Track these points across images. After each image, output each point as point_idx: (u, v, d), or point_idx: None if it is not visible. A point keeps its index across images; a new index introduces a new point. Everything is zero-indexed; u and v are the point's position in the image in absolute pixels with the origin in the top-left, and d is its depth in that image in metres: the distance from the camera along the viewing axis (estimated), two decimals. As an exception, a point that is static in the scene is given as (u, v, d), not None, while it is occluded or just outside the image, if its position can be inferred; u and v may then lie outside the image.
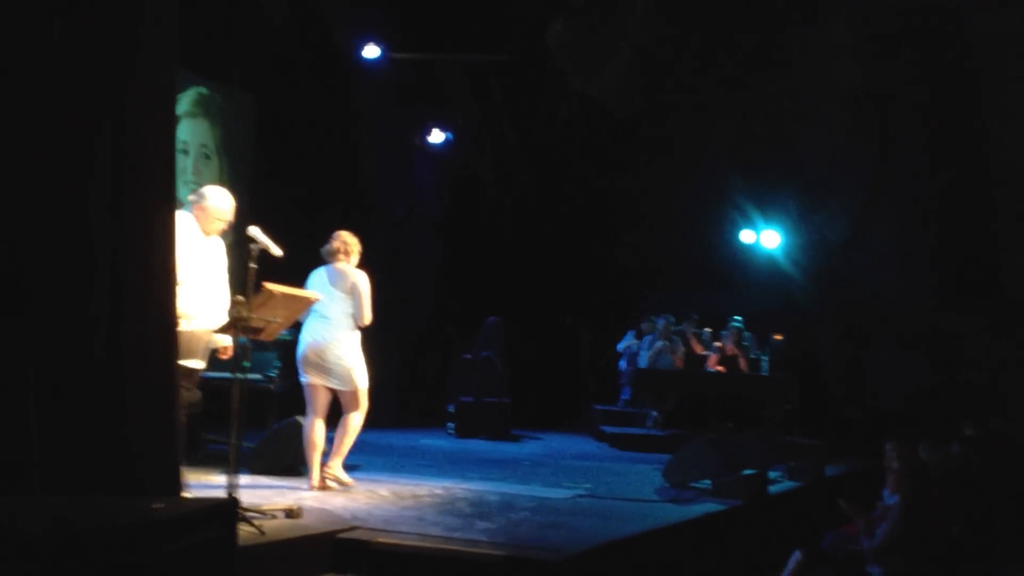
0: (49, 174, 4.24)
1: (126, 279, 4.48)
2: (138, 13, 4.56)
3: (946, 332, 11.44)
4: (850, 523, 6.70)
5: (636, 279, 12.93)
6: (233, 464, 5.16)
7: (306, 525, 5.33)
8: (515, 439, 11.10)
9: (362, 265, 6.75)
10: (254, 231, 5.63)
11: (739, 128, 12.23)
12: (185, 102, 11.04)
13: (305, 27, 11.23)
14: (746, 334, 11.27)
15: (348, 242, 6.57)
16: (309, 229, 10.58)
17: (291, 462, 7.18)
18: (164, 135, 4.86)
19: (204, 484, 6.14)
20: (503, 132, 13.17)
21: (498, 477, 7.89)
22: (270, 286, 5.45)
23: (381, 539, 5.32)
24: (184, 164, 10.94)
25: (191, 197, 5.90)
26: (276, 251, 5.65)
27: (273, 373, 8.09)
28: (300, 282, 6.36)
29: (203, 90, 11.29)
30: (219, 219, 5.78)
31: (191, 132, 11.17)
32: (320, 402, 6.52)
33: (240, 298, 5.40)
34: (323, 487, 6.49)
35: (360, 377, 6.53)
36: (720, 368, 10.69)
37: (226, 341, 5.82)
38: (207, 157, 11.38)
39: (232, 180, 11.60)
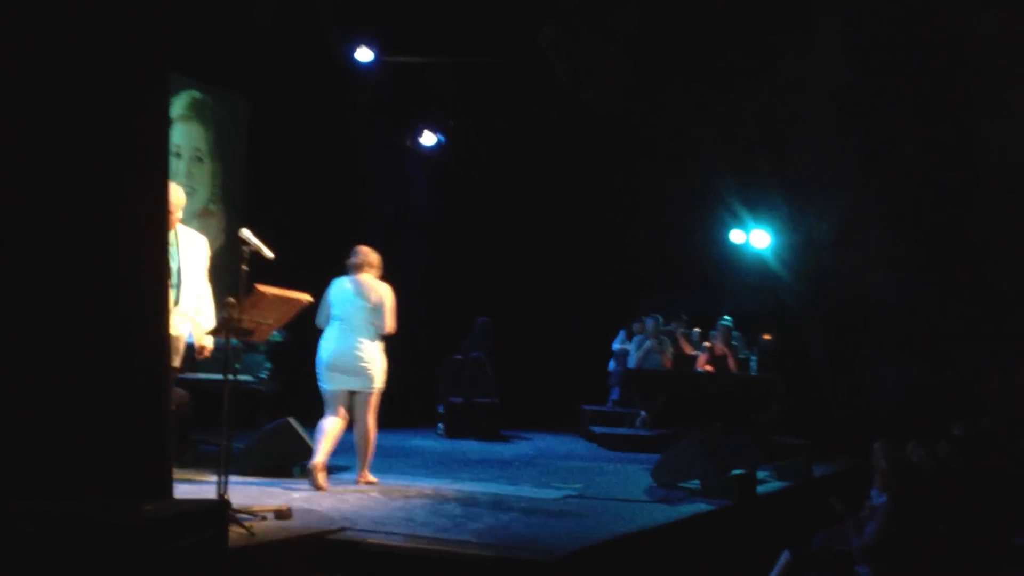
0: (57, 181, 4.26)
1: (121, 283, 4.50)
2: (127, 18, 4.57)
3: (935, 332, 11.51)
4: (839, 523, 6.75)
5: (626, 280, 12.97)
6: (223, 465, 5.18)
7: (296, 526, 5.34)
8: (505, 439, 11.13)
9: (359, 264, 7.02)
10: (245, 233, 5.66)
11: (729, 129, 12.28)
12: (178, 105, 11.04)
13: (298, 30, 11.24)
14: (735, 334, 11.31)
15: (371, 256, 6.98)
16: (301, 232, 10.65)
17: (281, 463, 7.21)
18: (158, 139, 4.87)
19: (194, 485, 6.16)
20: (494, 134, 13.20)
21: (488, 478, 7.91)
22: (261, 288, 5.47)
23: (371, 540, 5.34)
24: (177, 167, 10.94)
25: None
26: (267, 253, 5.68)
27: (263, 375, 8.10)
28: (291, 284, 6.38)
29: (196, 93, 11.29)
30: (171, 212, 5.75)
31: (184, 135, 11.17)
32: (342, 404, 6.90)
33: (231, 300, 5.42)
34: (319, 487, 6.62)
35: (381, 379, 6.94)
36: (709, 368, 10.73)
37: (206, 341, 5.86)
38: (200, 160, 11.38)
39: (225, 183, 11.61)
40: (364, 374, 6.82)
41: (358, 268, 6.91)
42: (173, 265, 5.73)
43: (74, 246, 4.33)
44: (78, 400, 4.27)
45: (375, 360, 6.86)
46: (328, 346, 6.84)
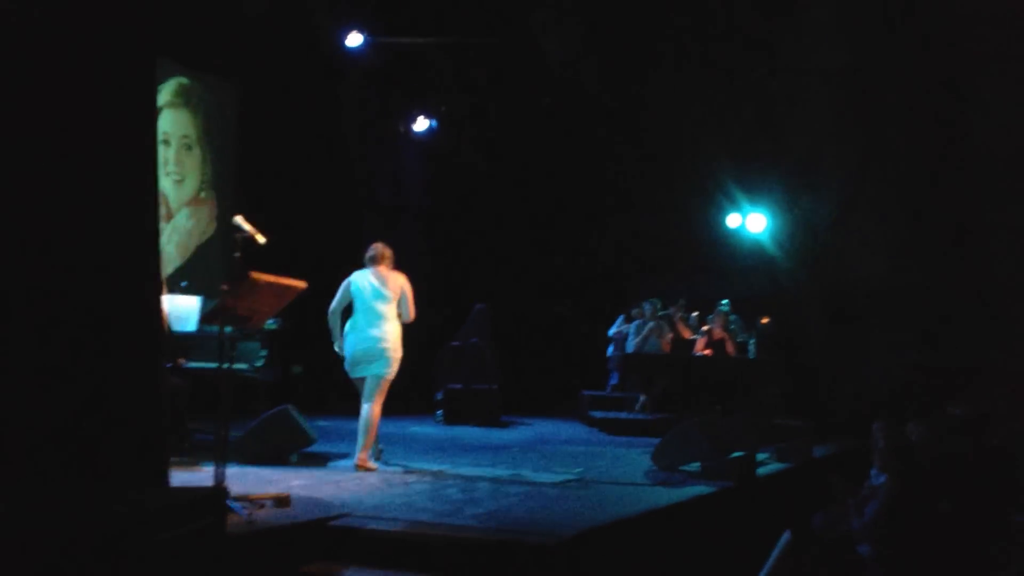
0: (42, 172, 4.21)
1: (111, 274, 4.45)
2: (112, 3, 4.50)
3: (932, 314, 11.50)
4: (839, 503, 6.73)
5: (624, 264, 12.93)
6: (221, 454, 5.14)
7: (296, 513, 5.31)
8: (504, 425, 11.10)
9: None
10: (238, 220, 5.61)
11: (725, 111, 12.23)
12: (166, 92, 10.95)
13: (288, 16, 11.14)
14: (733, 317, 11.28)
15: (386, 250, 7.39)
16: (295, 219, 10.57)
17: (279, 451, 7.18)
18: (144, 126, 4.81)
19: (192, 474, 6.12)
20: (488, 119, 13.12)
21: (488, 463, 7.88)
22: (256, 275, 5.42)
23: (372, 526, 5.32)
24: (165, 155, 10.86)
25: None
26: (261, 239, 5.63)
27: (259, 363, 8.06)
28: (286, 271, 6.34)
29: (184, 80, 11.19)
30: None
31: (172, 123, 11.08)
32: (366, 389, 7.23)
33: (226, 287, 5.37)
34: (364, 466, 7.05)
35: (396, 366, 7.26)
36: (707, 352, 10.71)
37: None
38: (189, 148, 11.30)
39: (215, 170, 11.53)
40: (382, 358, 7.13)
41: (376, 261, 7.30)
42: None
43: (62, 237, 4.28)
44: (73, 391, 4.22)
45: (396, 347, 7.22)
46: (352, 337, 7.18)
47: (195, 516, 3.97)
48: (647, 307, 11.26)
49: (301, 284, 6.15)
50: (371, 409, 7.13)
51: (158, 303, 4.80)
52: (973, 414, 8.10)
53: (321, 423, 8.14)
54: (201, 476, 5.95)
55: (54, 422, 4.11)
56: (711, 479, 7.25)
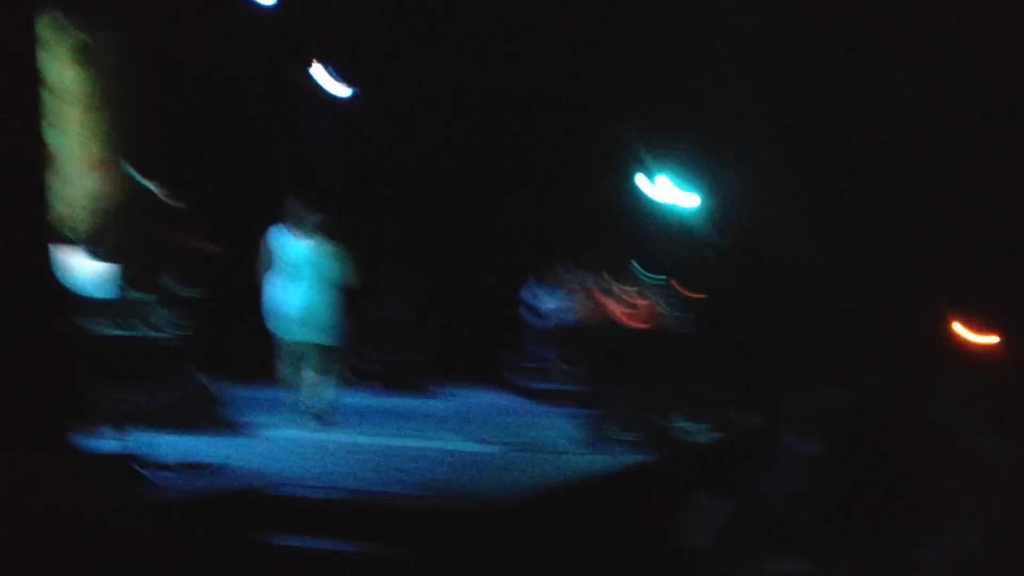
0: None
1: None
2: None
3: (856, 288, 11.72)
4: (768, 468, 6.79)
5: (546, 233, 12.79)
6: (135, 421, 4.84)
7: (222, 482, 5.04)
8: (434, 394, 10.89)
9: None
10: (148, 183, 5.29)
11: (644, 84, 12.18)
12: (64, 50, 10.33)
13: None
14: (665, 291, 11.21)
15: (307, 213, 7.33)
16: (206, 182, 10.10)
17: (196, 418, 6.86)
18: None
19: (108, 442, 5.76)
20: (406, 84, 12.74)
21: (419, 432, 7.70)
22: (169, 237, 5.10)
23: (302, 493, 5.10)
24: (66, 113, 10.26)
25: None
26: (173, 203, 5.33)
27: (173, 330, 7.66)
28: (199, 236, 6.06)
29: (85, 37, 10.59)
30: None
31: (72, 81, 10.47)
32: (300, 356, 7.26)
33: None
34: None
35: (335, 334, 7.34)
36: (640, 324, 10.62)
37: None
38: (88, 107, 10.70)
39: (121, 132, 10.95)
40: (323, 329, 7.18)
41: (310, 228, 7.23)
42: None
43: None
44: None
45: (330, 314, 7.24)
46: (295, 301, 7.13)
47: (110, 482, 3.68)
48: (578, 279, 11.10)
49: (216, 248, 5.87)
50: (316, 377, 7.29)
51: (49, 259, 4.45)
52: (887, 382, 8.29)
53: (240, 392, 7.80)
54: (112, 445, 5.59)
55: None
56: (643, 447, 7.23)
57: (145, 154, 10.41)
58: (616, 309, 10.89)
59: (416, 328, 11.21)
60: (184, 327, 7.49)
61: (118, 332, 6.79)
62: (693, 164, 12.31)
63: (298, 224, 7.20)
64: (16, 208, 4.29)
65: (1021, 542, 3.32)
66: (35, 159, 4.49)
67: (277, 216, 7.33)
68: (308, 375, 7.26)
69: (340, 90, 12.48)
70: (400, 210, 13.00)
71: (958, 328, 11.87)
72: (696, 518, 5.92)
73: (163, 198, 5.31)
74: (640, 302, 10.66)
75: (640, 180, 12.36)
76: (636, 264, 11.32)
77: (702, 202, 12.46)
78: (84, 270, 7.09)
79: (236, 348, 9.51)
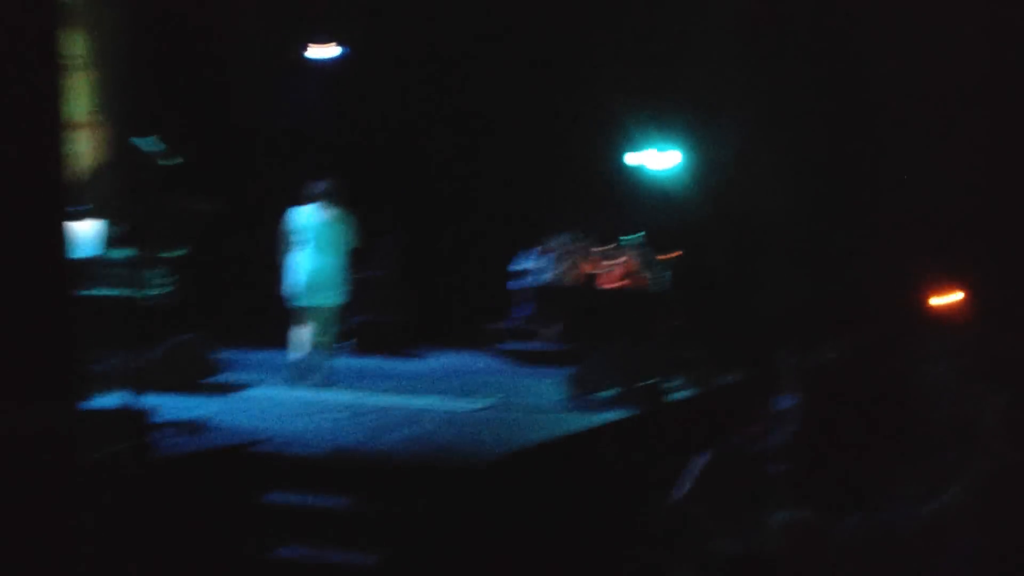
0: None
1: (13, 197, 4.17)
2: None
3: (832, 248, 11.87)
4: (752, 425, 6.93)
5: (533, 199, 12.82)
6: (131, 380, 4.90)
7: (213, 440, 5.15)
8: (416, 356, 10.97)
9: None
10: (140, 143, 5.32)
11: (628, 47, 12.17)
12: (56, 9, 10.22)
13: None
14: (645, 251, 11.33)
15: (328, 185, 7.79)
16: (191, 146, 10.07)
17: (185, 379, 6.94)
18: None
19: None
20: (398, 46, 12.66)
21: (404, 391, 7.82)
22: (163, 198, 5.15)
23: (294, 451, 5.21)
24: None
25: None
26: (167, 162, 5.35)
27: (163, 289, 7.71)
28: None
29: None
30: None
31: (62, 41, 10.37)
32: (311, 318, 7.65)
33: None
34: None
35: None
36: (622, 284, 10.74)
37: None
38: (80, 69, 10.62)
39: (109, 93, 10.89)
40: (331, 289, 7.62)
41: (317, 197, 7.67)
42: None
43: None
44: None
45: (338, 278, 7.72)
46: (305, 267, 7.55)
47: (115, 438, 3.78)
48: (559, 240, 11.20)
49: (210, 208, 5.92)
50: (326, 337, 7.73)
51: (63, 228, 4.51)
52: (867, 340, 8.45)
53: (229, 352, 7.88)
54: (110, 402, 5.68)
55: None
56: (626, 404, 7.36)
57: (136, 114, 10.41)
58: (594, 269, 11.02)
59: (397, 291, 11.23)
60: (172, 287, 7.57)
61: (106, 292, 6.86)
62: (674, 125, 12.38)
63: (309, 194, 7.65)
64: (32, 172, 4.32)
65: (1006, 492, 3.45)
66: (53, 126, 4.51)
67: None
68: (315, 336, 7.61)
69: (330, 51, 12.40)
70: (387, 175, 12.99)
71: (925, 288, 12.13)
72: (688, 477, 6.04)
73: (155, 157, 5.33)
74: (618, 261, 10.77)
75: (622, 142, 12.45)
76: (615, 225, 11.43)
77: (683, 162, 12.56)
78: (72, 228, 7.14)
79: (224, 309, 9.60)
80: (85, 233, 7.28)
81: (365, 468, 5.16)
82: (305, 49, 12.53)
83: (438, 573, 4.86)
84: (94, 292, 6.91)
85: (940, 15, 11.08)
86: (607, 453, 6.64)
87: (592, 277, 10.98)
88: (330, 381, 7.85)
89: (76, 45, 10.53)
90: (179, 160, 5.32)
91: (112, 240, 5.55)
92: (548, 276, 11.13)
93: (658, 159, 12.59)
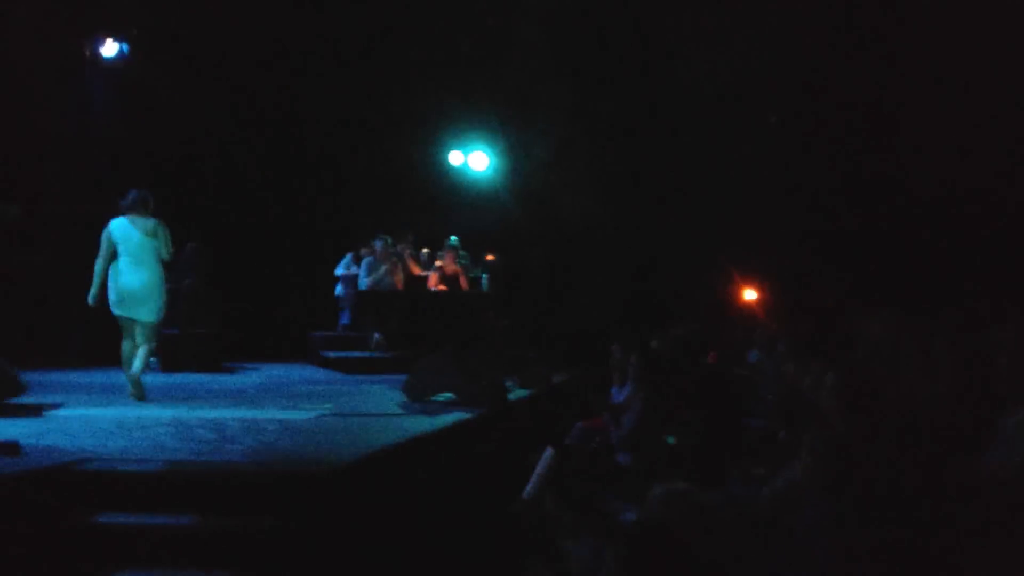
0: None
1: None
2: None
3: (647, 250, 12.32)
4: (592, 419, 7.01)
5: (348, 203, 12.54)
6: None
7: (30, 461, 4.59)
8: (229, 371, 10.41)
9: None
10: None
11: (444, 47, 12.17)
12: None
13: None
14: (463, 253, 11.33)
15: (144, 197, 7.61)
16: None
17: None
18: None
19: None
20: (187, 42, 11.98)
21: (226, 405, 7.34)
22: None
23: (123, 468, 4.74)
24: None
25: None
26: None
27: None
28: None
29: None
30: None
31: None
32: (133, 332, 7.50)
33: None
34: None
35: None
36: (441, 287, 10.68)
37: None
38: None
39: None
40: (153, 306, 7.50)
41: (133, 209, 7.49)
42: None
43: None
44: None
45: (161, 291, 7.62)
46: (122, 279, 7.37)
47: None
48: (378, 244, 10.98)
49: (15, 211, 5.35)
50: (147, 352, 7.52)
51: None
52: (690, 333, 8.78)
53: (28, 374, 7.14)
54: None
55: None
56: (465, 406, 7.27)
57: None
58: (428, 278, 10.90)
59: (207, 302, 10.68)
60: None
61: None
62: (491, 129, 12.48)
63: (129, 206, 7.49)
64: None
65: (841, 461, 3.61)
66: None
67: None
68: (135, 350, 7.43)
69: (113, 49, 11.63)
70: (184, 181, 12.25)
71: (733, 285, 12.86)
72: (538, 474, 6.02)
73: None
74: (450, 270, 10.71)
75: (452, 154, 12.43)
76: (433, 227, 11.39)
77: (496, 164, 12.68)
78: None
79: (24, 326, 8.74)
80: None
81: (205, 482, 4.77)
82: (92, 46, 11.70)
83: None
84: None
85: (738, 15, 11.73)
86: (452, 455, 6.51)
87: (414, 280, 10.86)
88: (146, 397, 7.39)
89: None
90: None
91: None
92: (368, 281, 10.88)
93: (473, 160, 12.66)
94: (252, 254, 12.48)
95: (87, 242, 7.73)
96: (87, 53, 11.89)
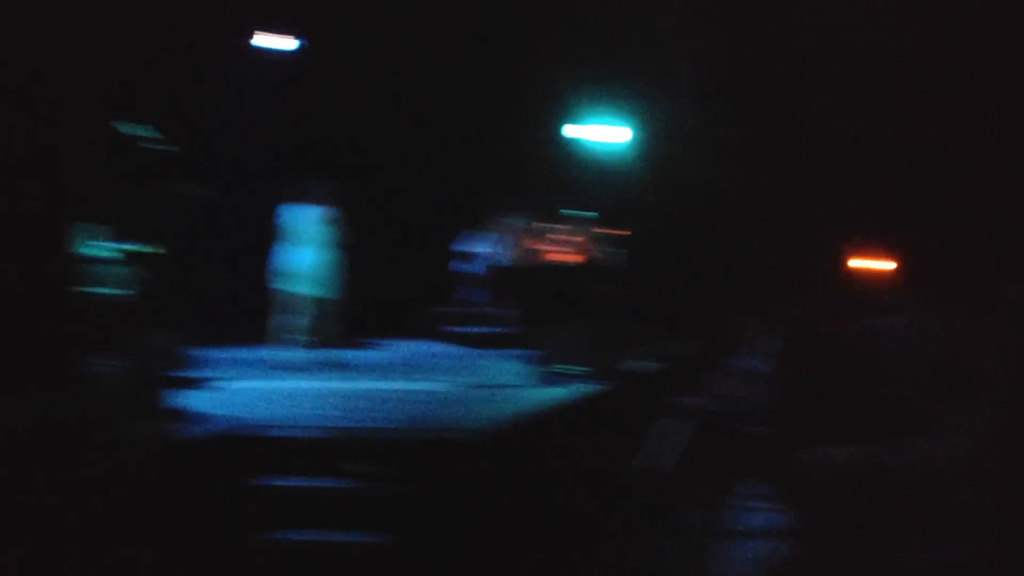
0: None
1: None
2: None
3: (770, 220, 12.24)
4: (718, 389, 7.18)
5: (476, 179, 12.74)
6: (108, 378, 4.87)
7: (200, 427, 5.11)
8: (362, 345, 10.86)
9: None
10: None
11: (572, 16, 12.21)
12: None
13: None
14: (588, 224, 11.36)
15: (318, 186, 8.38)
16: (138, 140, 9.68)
17: (158, 372, 6.79)
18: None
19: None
20: (350, 36, 12.32)
21: (374, 377, 7.82)
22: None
23: (289, 435, 5.20)
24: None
25: None
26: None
27: (137, 287, 7.51)
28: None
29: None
30: None
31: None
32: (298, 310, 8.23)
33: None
34: None
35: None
36: (568, 259, 10.76)
37: None
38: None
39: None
40: (318, 282, 8.18)
41: (309, 196, 8.24)
42: None
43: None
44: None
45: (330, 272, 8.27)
46: (295, 260, 8.11)
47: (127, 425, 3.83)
48: (504, 218, 11.17)
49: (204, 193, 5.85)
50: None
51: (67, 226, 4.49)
52: (814, 306, 8.81)
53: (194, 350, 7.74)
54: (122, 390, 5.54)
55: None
56: (594, 378, 7.51)
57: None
58: (551, 251, 11.08)
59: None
60: (148, 284, 7.39)
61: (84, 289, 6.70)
62: (620, 100, 12.49)
63: (304, 194, 8.18)
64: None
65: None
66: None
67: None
68: (297, 327, 8.09)
69: (286, 44, 11.95)
70: (333, 166, 12.65)
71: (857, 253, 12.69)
72: (658, 443, 6.22)
73: (140, 142, 5.24)
74: (574, 243, 10.85)
75: (569, 119, 12.51)
76: (566, 203, 11.51)
77: (626, 136, 12.68)
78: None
79: (196, 304, 9.35)
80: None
81: (361, 449, 5.18)
82: (254, 37, 12.01)
83: (444, 550, 4.92)
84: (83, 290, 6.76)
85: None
86: (584, 424, 6.79)
87: (545, 256, 11.02)
88: (304, 370, 7.96)
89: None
90: (167, 147, 5.24)
91: (93, 234, 5.44)
92: (499, 257, 11.12)
93: (602, 132, 12.66)
94: (374, 227, 12.79)
95: (253, 226, 8.36)
96: (255, 47, 12.22)
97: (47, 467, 3.73)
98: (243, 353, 9.32)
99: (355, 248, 11.97)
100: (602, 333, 8.55)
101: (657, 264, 11.31)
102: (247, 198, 11.19)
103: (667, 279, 11.16)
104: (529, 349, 8.36)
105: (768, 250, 12.26)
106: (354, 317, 11.11)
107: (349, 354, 9.96)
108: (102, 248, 5.65)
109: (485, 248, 11.44)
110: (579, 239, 10.87)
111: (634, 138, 12.64)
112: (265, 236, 11.23)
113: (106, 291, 5.41)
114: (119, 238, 5.28)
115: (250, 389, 6.88)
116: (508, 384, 7.40)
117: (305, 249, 8.15)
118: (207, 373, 7.39)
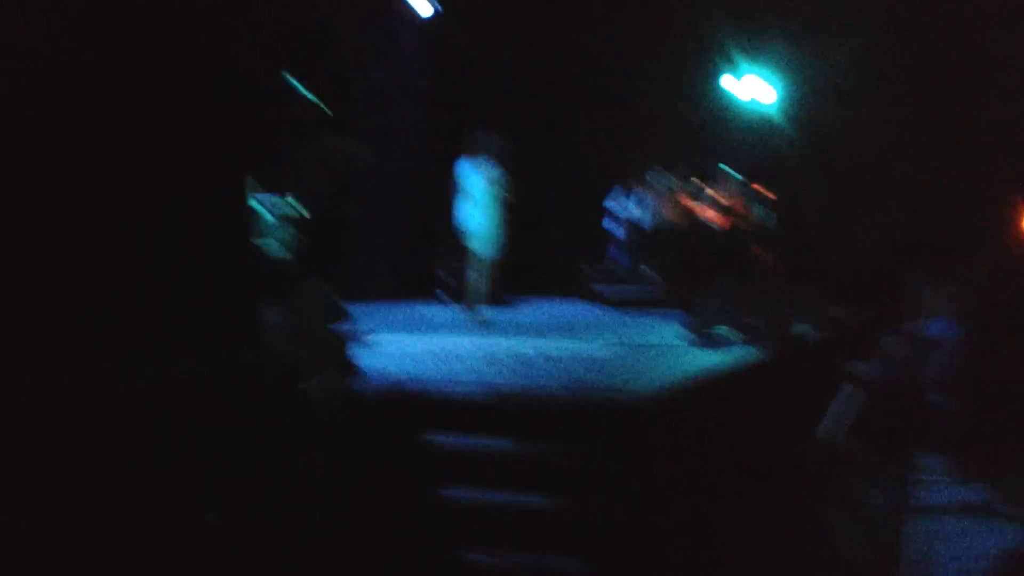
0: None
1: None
2: None
3: (926, 183, 11.56)
4: (889, 354, 6.76)
5: (622, 136, 12.46)
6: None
7: (366, 383, 5.11)
8: (510, 303, 10.81)
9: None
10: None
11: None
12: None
13: None
14: (749, 191, 10.99)
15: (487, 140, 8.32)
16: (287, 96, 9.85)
17: (314, 325, 6.87)
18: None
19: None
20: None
21: (523, 336, 7.73)
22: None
23: (454, 393, 5.16)
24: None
25: None
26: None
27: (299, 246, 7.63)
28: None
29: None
30: None
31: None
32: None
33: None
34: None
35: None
36: (722, 222, 10.42)
37: None
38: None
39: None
40: (487, 240, 8.28)
41: (481, 150, 8.21)
42: None
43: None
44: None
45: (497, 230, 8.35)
46: (464, 218, 8.25)
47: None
48: (651, 176, 10.87)
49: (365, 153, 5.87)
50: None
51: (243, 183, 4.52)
52: (998, 263, 8.17)
53: (366, 308, 7.84)
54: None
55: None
56: (749, 341, 7.22)
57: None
58: (703, 211, 10.73)
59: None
60: (308, 240, 7.48)
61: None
62: (777, 59, 11.95)
63: (479, 151, 8.16)
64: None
65: None
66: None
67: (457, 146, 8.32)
68: (475, 281, 8.34)
69: (426, 9, 11.98)
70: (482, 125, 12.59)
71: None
72: (833, 412, 5.92)
73: (302, 100, 5.23)
74: (727, 203, 10.47)
75: (725, 79, 12.06)
76: (721, 165, 11.11)
77: (774, 93, 12.13)
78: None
79: (346, 261, 9.49)
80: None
81: (523, 410, 5.10)
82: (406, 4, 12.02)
83: (608, 513, 4.79)
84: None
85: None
86: (746, 389, 6.52)
87: (696, 216, 10.69)
88: (463, 328, 8.13)
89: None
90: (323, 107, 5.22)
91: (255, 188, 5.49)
92: (650, 217, 10.85)
93: (753, 88, 12.13)
94: (521, 185, 12.72)
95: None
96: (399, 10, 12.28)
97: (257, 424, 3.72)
98: (401, 310, 9.43)
99: (516, 207, 11.97)
100: (760, 297, 8.23)
101: (813, 226, 10.83)
102: (394, 159, 11.29)
103: (825, 241, 10.69)
104: (683, 311, 8.12)
105: (940, 209, 11.55)
106: (511, 275, 11.15)
107: (507, 312, 9.95)
108: (266, 202, 5.71)
109: (636, 208, 11.19)
110: (733, 198, 10.49)
111: (782, 93, 12.04)
112: (410, 195, 11.35)
113: (270, 244, 5.43)
114: (280, 192, 5.27)
115: (401, 344, 6.88)
116: (656, 344, 7.18)
117: (476, 207, 8.20)
118: (369, 329, 7.44)
